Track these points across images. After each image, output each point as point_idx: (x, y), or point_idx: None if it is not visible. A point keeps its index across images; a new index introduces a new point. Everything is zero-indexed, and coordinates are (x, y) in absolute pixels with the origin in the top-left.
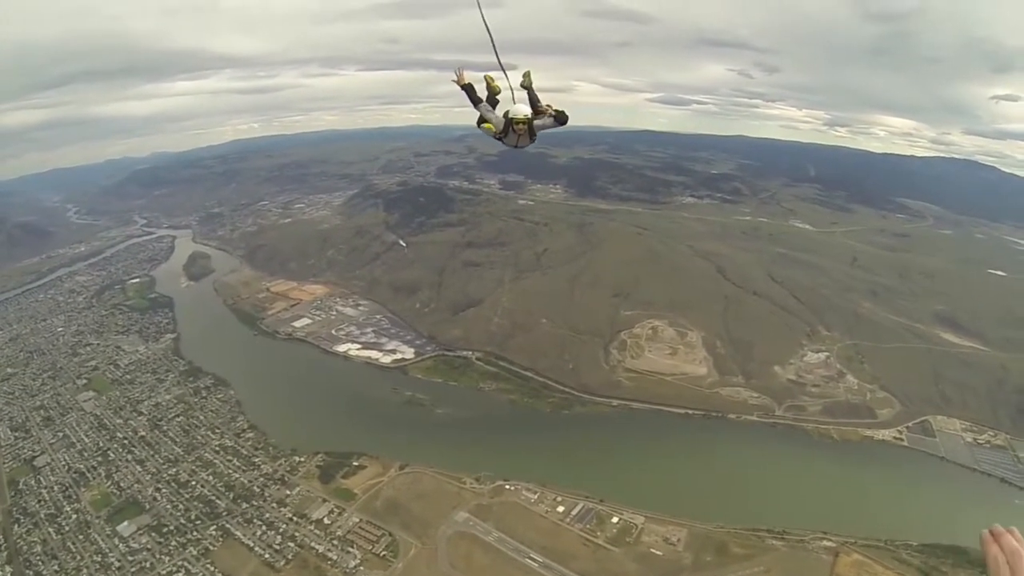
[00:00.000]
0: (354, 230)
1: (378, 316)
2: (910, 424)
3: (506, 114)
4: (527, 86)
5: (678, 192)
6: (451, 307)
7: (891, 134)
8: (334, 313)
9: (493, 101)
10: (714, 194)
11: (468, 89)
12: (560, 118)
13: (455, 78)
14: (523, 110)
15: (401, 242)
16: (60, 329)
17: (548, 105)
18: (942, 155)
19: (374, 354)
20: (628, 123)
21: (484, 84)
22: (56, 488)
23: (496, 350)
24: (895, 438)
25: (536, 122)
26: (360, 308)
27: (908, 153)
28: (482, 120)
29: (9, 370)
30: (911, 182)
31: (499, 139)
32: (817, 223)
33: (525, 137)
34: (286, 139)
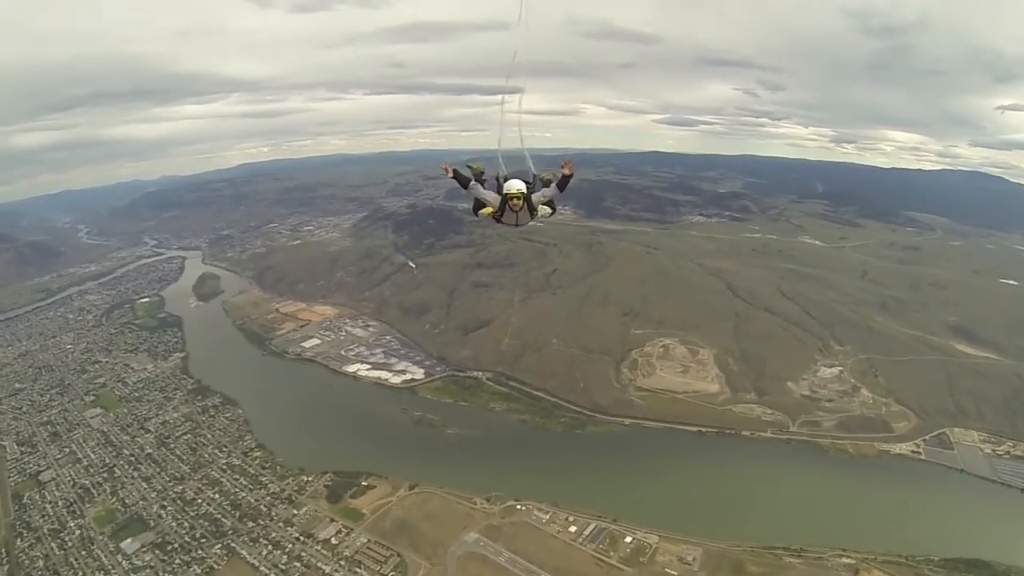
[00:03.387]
0: (363, 252)
1: (388, 337)
2: (927, 437)
3: (500, 189)
4: (548, 181)
5: (686, 211)
6: (461, 328)
7: (897, 149)
8: (343, 334)
9: (480, 181)
10: (722, 212)
11: (456, 175)
12: (562, 184)
13: (443, 169)
14: (517, 184)
15: (410, 263)
16: (69, 346)
17: (551, 174)
18: (949, 168)
19: (383, 374)
20: (635, 145)
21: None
22: (60, 503)
23: (506, 370)
24: (912, 452)
25: (535, 195)
26: (370, 329)
27: (915, 167)
28: (478, 206)
29: (18, 385)
30: (919, 195)
31: (499, 220)
32: (826, 238)
33: (525, 214)
34: (294, 163)
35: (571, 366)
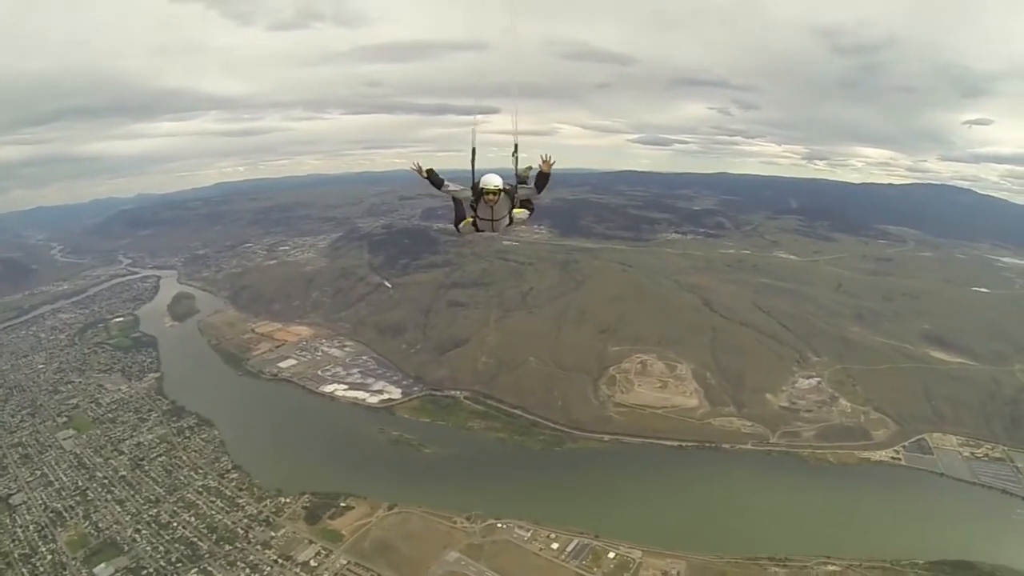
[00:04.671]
0: (339, 272)
1: (364, 357)
2: (906, 443)
3: (475, 184)
4: (525, 177)
5: (662, 229)
6: (437, 347)
7: (868, 165)
8: (320, 354)
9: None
10: (697, 229)
11: (430, 174)
12: (539, 183)
13: (415, 168)
14: (494, 180)
15: (386, 283)
16: (41, 366)
17: (527, 169)
18: (919, 182)
19: (360, 394)
20: (611, 164)
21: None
22: (32, 527)
23: (484, 389)
24: (892, 458)
25: (520, 190)
26: (346, 349)
27: (886, 182)
28: (459, 219)
29: None
30: (890, 209)
31: (478, 228)
32: (800, 253)
33: (502, 206)
34: (271, 183)
35: (549, 384)
